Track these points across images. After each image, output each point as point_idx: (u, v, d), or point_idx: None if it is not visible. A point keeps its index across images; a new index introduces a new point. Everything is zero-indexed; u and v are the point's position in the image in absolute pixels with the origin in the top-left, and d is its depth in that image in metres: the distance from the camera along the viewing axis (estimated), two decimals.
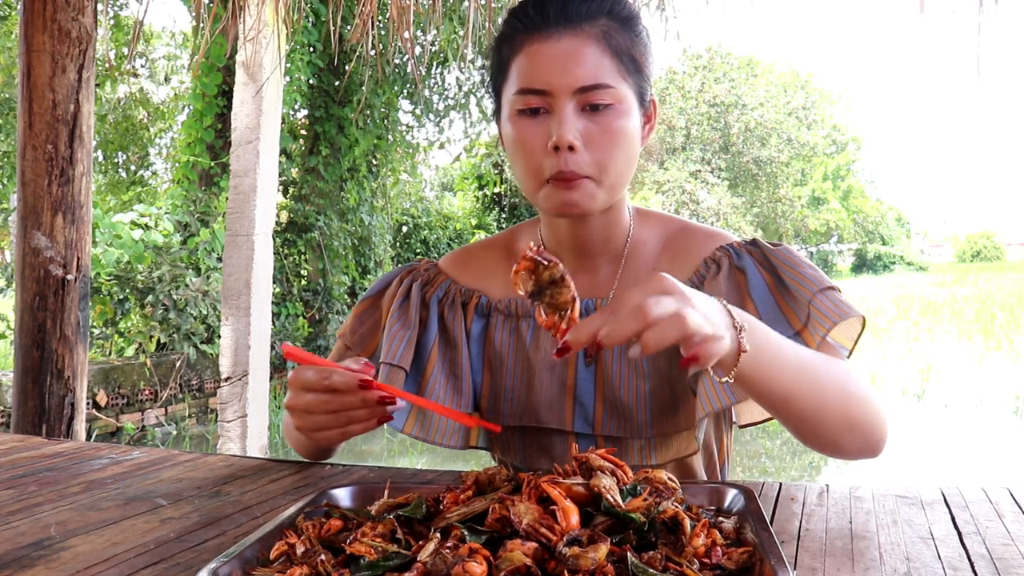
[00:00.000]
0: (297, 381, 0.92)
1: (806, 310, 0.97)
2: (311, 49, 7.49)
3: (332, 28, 3.39)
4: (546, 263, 0.76)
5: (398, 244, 10.90)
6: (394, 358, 1.07)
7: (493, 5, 2.89)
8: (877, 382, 8.52)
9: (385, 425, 1.05)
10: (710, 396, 0.96)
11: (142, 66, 12.55)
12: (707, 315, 0.75)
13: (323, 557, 0.63)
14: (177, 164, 7.61)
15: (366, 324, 1.17)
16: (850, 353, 1.00)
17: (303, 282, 8.30)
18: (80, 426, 2.34)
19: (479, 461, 4.77)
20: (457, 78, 8.91)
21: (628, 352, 0.75)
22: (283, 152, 7.54)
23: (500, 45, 1.02)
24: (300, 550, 0.66)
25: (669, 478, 0.74)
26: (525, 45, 0.97)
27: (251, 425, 4.57)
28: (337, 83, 7.95)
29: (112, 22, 10.05)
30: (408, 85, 8.27)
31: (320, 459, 1.14)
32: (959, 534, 0.75)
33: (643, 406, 1.03)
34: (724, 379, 0.83)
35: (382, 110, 8.35)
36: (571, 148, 0.93)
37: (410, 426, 1.07)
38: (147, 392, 6.32)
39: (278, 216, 7.52)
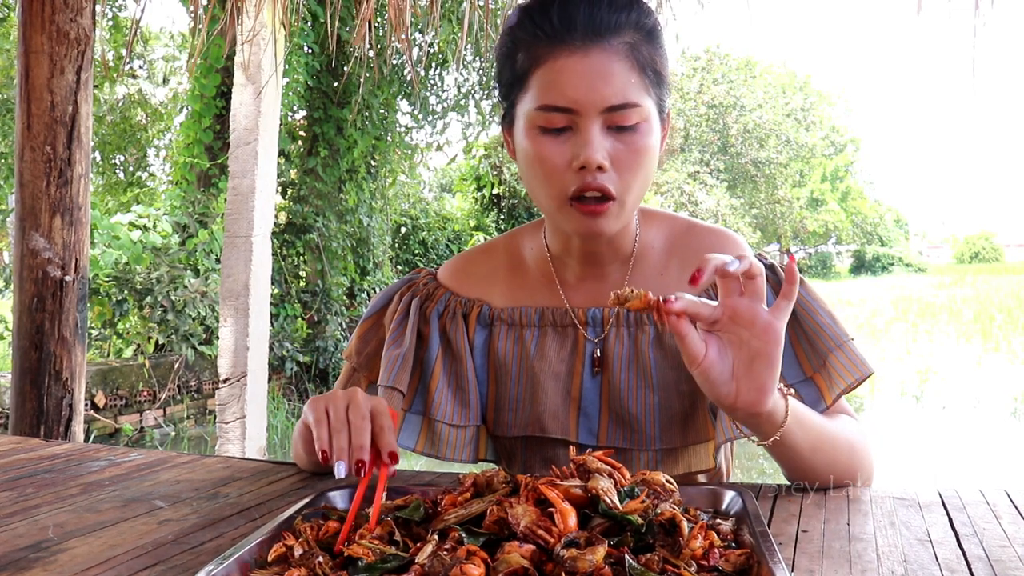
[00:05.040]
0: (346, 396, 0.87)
1: (821, 360, 0.98)
2: (309, 51, 7.49)
3: (330, 30, 3.39)
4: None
5: (397, 245, 10.90)
6: (389, 380, 1.07)
7: (491, 7, 2.89)
8: (875, 384, 8.52)
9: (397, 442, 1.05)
10: (724, 426, 0.97)
11: (140, 67, 12.54)
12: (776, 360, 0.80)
13: (320, 559, 0.63)
14: (175, 165, 7.60)
15: (370, 344, 1.15)
16: (847, 390, 0.99)
17: (302, 283, 8.30)
18: (78, 427, 2.34)
19: (478, 464, 4.75)
20: (456, 80, 8.92)
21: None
22: (282, 153, 7.54)
23: (513, 52, 0.96)
24: (298, 552, 0.66)
25: (667, 480, 0.74)
26: (549, 58, 0.92)
27: (249, 427, 4.57)
28: (336, 84, 7.95)
29: (111, 23, 10.04)
30: (406, 86, 8.27)
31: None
32: (956, 536, 0.75)
33: (651, 418, 1.02)
34: (762, 444, 0.87)
35: (381, 111, 8.35)
36: (599, 168, 0.91)
37: (421, 444, 1.08)
38: (145, 393, 6.32)
39: (277, 217, 7.51)
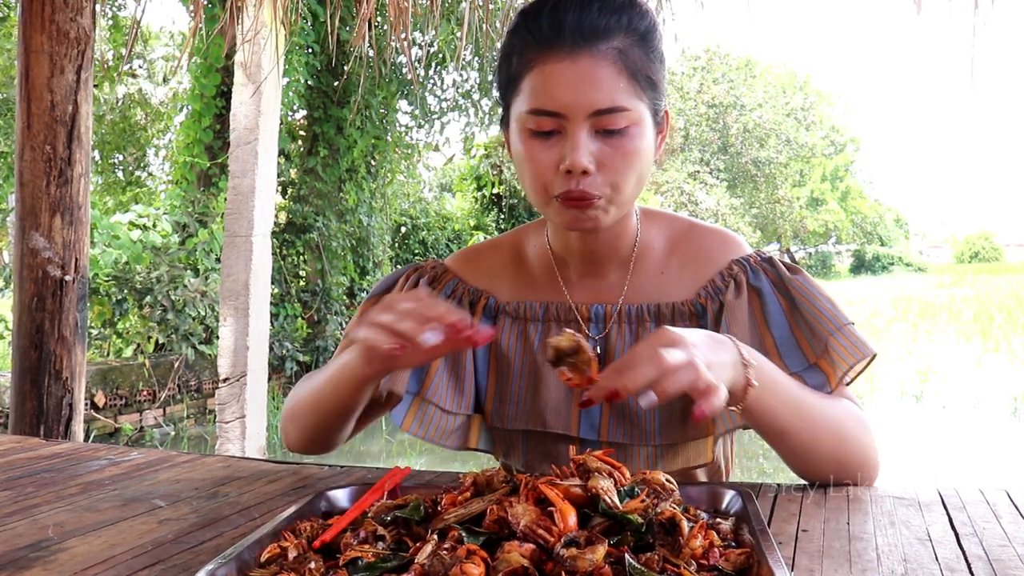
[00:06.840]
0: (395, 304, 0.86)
1: (822, 345, 0.98)
2: (309, 50, 7.49)
3: (330, 29, 3.39)
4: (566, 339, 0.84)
5: (397, 245, 10.89)
6: None
7: (491, 7, 2.89)
8: (875, 384, 8.52)
9: (384, 421, 1.06)
10: (723, 417, 1.00)
11: (140, 67, 12.54)
12: (714, 362, 0.81)
13: (312, 565, 0.63)
14: (175, 165, 7.60)
15: None
16: (851, 380, 1.00)
17: (301, 283, 8.30)
18: (78, 427, 2.34)
19: (478, 462, 4.77)
20: (455, 80, 8.91)
21: (640, 401, 0.78)
22: (282, 153, 7.54)
23: (509, 55, 0.98)
24: (292, 554, 0.65)
25: (667, 479, 0.74)
26: (538, 63, 0.93)
27: (249, 426, 4.57)
28: (336, 84, 7.95)
29: (111, 23, 10.04)
30: (405, 86, 8.27)
31: (318, 449, 1.10)
32: (956, 535, 0.75)
33: (652, 413, 1.03)
34: (731, 409, 0.88)
35: (380, 111, 8.35)
36: (584, 172, 0.92)
37: (408, 422, 1.08)
38: (145, 393, 6.32)
39: (276, 217, 7.50)
